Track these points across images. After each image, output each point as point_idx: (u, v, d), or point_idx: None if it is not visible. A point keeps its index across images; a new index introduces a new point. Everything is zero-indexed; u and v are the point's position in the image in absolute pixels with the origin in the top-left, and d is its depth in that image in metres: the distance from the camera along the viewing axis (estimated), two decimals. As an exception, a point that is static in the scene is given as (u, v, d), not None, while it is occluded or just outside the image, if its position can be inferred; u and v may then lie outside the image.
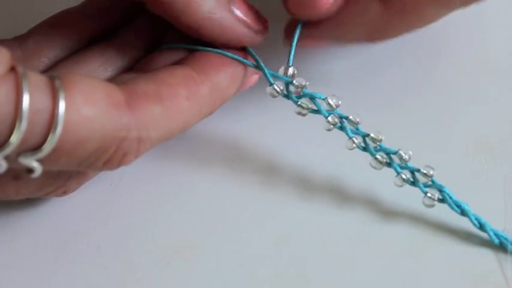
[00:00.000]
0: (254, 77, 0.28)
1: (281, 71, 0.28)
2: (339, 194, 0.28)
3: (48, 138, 0.21)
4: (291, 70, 0.27)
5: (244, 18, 0.27)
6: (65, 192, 0.26)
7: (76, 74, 0.23)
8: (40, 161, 0.21)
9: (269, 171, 0.29)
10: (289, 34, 0.29)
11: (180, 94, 0.25)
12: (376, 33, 0.28)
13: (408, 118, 0.32)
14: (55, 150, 0.21)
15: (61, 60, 0.27)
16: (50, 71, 0.27)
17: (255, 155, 0.30)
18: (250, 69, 0.28)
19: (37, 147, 0.21)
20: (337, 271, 0.26)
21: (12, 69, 0.21)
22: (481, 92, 0.33)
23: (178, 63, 0.27)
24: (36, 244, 0.27)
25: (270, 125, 0.31)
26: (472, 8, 0.30)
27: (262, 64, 0.28)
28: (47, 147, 0.21)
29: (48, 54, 0.27)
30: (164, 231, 0.27)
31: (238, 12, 0.27)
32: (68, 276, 0.26)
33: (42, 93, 0.21)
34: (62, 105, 0.21)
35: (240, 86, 0.28)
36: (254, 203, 0.28)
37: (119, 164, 0.24)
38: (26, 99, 0.20)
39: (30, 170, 0.22)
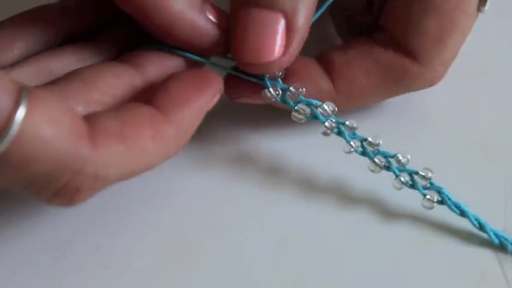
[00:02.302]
0: (217, 98, 0.27)
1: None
2: (340, 195, 0.28)
3: None
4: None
5: (216, 21, 0.27)
6: (71, 200, 0.24)
7: (50, 93, 0.22)
8: None
9: (271, 171, 0.29)
10: None
11: (145, 135, 0.24)
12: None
13: (408, 118, 0.32)
14: (1, 159, 0.20)
15: (34, 54, 0.27)
16: (22, 62, 0.26)
17: (257, 156, 0.30)
18: (215, 94, 0.27)
19: None
20: (338, 271, 0.26)
21: None
22: (481, 92, 0.33)
23: (142, 99, 0.25)
24: (36, 244, 0.27)
25: (272, 125, 0.31)
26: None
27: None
28: None
29: (21, 46, 0.26)
30: (164, 231, 0.27)
31: (210, 16, 0.26)
32: (68, 276, 0.26)
33: (6, 94, 0.20)
34: (20, 113, 0.20)
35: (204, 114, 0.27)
36: (255, 203, 0.28)
37: (71, 199, 0.23)
38: None
39: None
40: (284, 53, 0.27)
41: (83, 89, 0.25)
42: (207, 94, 0.26)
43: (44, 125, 0.21)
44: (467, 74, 0.33)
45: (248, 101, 0.29)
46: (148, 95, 0.25)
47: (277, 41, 0.26)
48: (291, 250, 0.27)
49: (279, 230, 0.27)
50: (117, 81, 0.26)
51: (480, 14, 0.28)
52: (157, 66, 0.27)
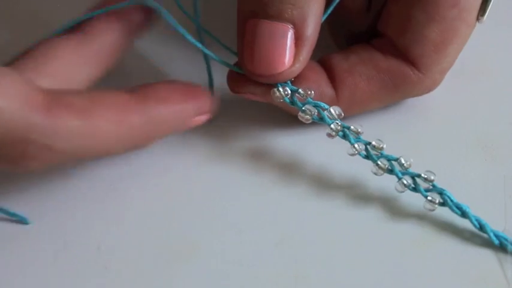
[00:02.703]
0: (203, 117, 0.28)
1: None
2: (342, 195, 0.28)
3: None
4: None
5: None
6: (25, 167, 0.24)
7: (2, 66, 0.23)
8: None
9: (273, 170, 0.29)
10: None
11: (109, 117, 0.24)
12: None
13: (408, 118, 0.32)
14: None
15: None
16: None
17: (260, 154, 0.30)
18: (200, 110, 0.27)
19: None
20: (339, 270, 0.26)
21: None
22: (481, 92, 0.33)
23: (128, 89, 0.26)
24: (36, 244, 0.27)
25: (280, 125, 0.31)
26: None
27: None
28: None
29: None
30: (164, 231, 0.27)
31: None
32: (68, 276, 0.26)
33: None
34: None
35: (183, 125, 0.27)
36: (255, 202, 0.28)
37: (25, 166, 0.24)
38: None
39: None
40: (294, 63, 0.27)
41: (39, 60, 0.25)
42: (191, 104, 0.27)
43: None
44: (467, 74, 0.33)
45: (253, 99, 0.29)
46: (136, 88, 0.26)
47: (287, 51, 0.27)
48: (291, 249, 0.27)
49: (279, 229, 0.27)
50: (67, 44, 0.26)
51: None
52: (107, 34, 0.28)
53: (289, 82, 0.28)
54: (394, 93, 0.29)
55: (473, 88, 0.33)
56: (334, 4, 0.29)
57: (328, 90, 0.29)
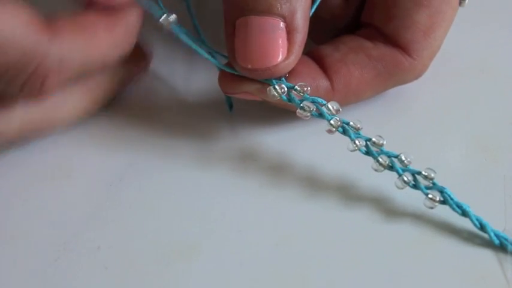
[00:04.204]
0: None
1: None
2: (341, 195, 0.28)
3: None
4: None
5: None
6: (41, 89, 0.26)
7: None
8: None
9: (273, 170, 0.29)
10: None
11: (99, 24, 0.26)
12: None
13: (408, 118, 0.32)
14: None
15: None
16: None
17: (259, 154, 0.30)
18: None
19: None
20: (338, 270, 0.26)
21: None
22: (481, 92, 0.33)
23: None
24: (36, 244, 0.27)
25: (275, 123, 0.31)
26: (472, 8, 0.31)
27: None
28: None
29: None
30: (164, 231, 0.27)
31: None
32: (68, 276, 0.26)
33: None
34: None
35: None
36: (255, 202, 0.28)
37: (41, 89, 0.25)
38: None
39: None
40: (289, 55, 0.27)
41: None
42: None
43: (1, 19, 0.23)
44: (467, 74, 0.33)
45: (248, 98, 0.29)
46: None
47: (280, 44, 0.27)
48: (291, 249, 0.27)
49: (279, 229, 0.27)
50: None
51: (480, 14, 0.29)
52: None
53: (284, 79, 0.28)
54: (387, 80, 0.30)
55: (473, 88, 0.33)
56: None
57: (323, 82, 0.29)
